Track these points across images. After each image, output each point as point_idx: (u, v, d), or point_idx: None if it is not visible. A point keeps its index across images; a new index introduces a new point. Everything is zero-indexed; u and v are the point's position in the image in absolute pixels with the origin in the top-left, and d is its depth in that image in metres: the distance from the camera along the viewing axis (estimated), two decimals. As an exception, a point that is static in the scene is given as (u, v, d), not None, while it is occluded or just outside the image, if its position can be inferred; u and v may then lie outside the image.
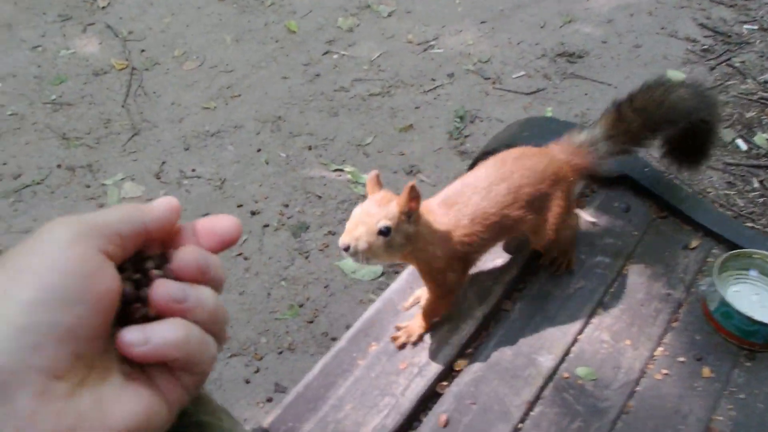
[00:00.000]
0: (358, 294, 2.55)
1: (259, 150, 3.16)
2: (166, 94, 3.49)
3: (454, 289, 1.34)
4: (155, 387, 0.62)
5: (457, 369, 1.31)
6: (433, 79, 3.57)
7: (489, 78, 3.58)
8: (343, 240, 1.18)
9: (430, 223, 1.29)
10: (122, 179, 3.03)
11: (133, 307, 0.66)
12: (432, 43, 3.83)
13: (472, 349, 1.36)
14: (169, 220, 0.69)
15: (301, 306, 2.53)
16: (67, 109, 3.40)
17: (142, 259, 0.71)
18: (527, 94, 3.46)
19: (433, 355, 1.31)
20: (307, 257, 2.72)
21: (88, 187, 3.00)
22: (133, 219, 0.65)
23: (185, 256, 0.67)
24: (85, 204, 2.90)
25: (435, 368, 1.29)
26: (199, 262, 0.67)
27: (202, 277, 0.67)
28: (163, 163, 3.11)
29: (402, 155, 3.14)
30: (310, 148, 3.17)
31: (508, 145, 1.72)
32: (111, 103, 3.43)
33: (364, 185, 3.02)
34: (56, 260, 0.56)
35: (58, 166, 3.10)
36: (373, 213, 1.20)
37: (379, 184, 1.29)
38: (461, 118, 3.32)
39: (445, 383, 1.29)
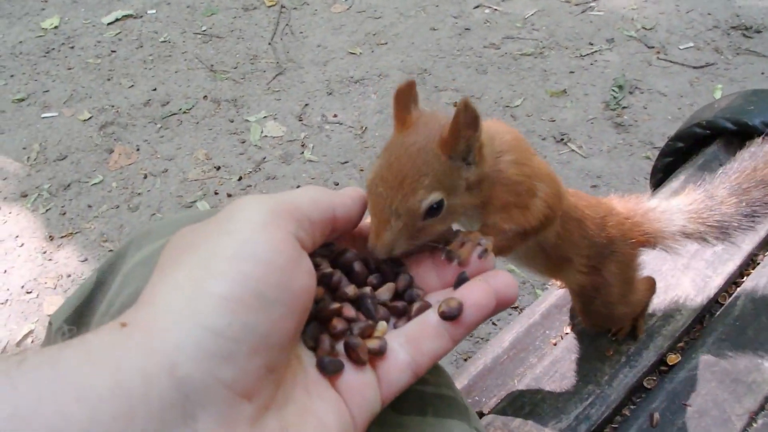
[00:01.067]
0: (498, 263, 2.41)
1: (402, 101, 3.04)
2: (313, 36, 3.41)
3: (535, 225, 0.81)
4: (340, 399, 0.53)
5: (669, 363, 1.16)
6: (591, 44, 3.33)
7: (653, 47, 3.30)
8: (377, 250, 0.67)
9: (489, 140, 0.75)
10: (265, 117, 2.99)
11: (328, 309, 0.57)
12: (592, 4, 3.57)
13: (684, 343, 1.20)
14: (358, 212, 0.60)
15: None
16: (216, 42, 3.40)
17: (333, 254, 0.62)
18: (695, 67, 3.17)
19: (644, 345, 1.16)
20: (446, 217, 2.59)
21: (232, 121, 2.98)
22: (322, 203, 0.55)
23: (477, 293, 0.58)
24: (228, 138, 2.89)
25: (645, 359, 1.14)
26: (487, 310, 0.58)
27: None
28: (306, 105, 3.05)
29: (552, 121, 2.94)
30: (455, 105, 3.02)
31: (728, 119, 1.52)
32: (258, 40, 3.40)
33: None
34: (250, 245, 0.47)
35: (204, 97, 3.10)
36: (410, 181, 0.67)
37: (414, 101, 0.72)
38: (620, 87, 3.08)
39: (653, 377, 1.15)
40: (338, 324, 0.56)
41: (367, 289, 0.60)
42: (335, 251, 0.61)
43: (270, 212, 0.50)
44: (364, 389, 0.54)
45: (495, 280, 0.59)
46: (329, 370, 0.53)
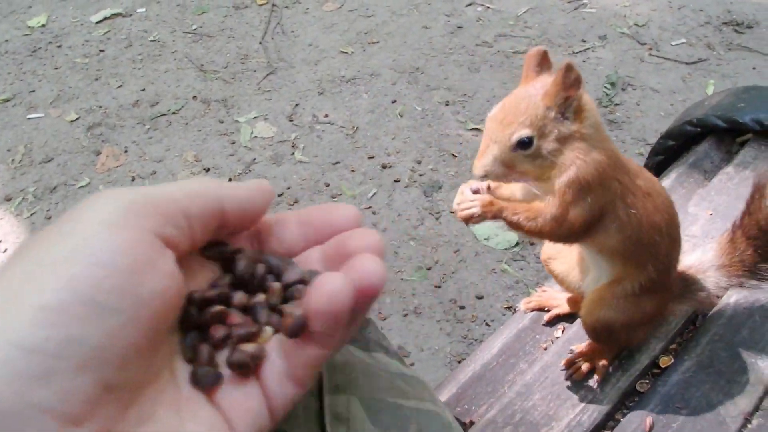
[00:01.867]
0: (490, 263, 2.39)
1: (394, 101, 3.01)
2: (305, 35, 3.38)
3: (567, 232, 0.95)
4: (219, 415, 0.47)
5: (662, 366, 1.14)
6: (584, 41, 3.30)
7: (645, 43, 3.28)
8: (476, 169, 0.90)
9: (600, 127, 0.92)
10: (255, 118, 2.96)
11: (209, 315, 0.49)
12: (584, 1, 3.54)
13: (677, 345, 1.18)
14: (256, 206, 0.52)
15: (429, 269, 2.39)
16: (207, 41, 3.37)
17: (224, 253, 0.54)
18: (687, 63, 3.15)
19: (636, 348, 1.14)
20: (437, 218, 2.57)
21: (222, 122, 2.95)
22: (205, 196, 0.48)
23: (323, 298, 0.46)
24: (217, 139, 2.86)
25: (638, 363, 1.12)
26: (344, 305, 0.46)
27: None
28: (297, 105, 3.02)
29: (545, 119, 2.91)
30: (447, 104, 3.00)
31: (719, 116, 1.50)
32: (249, 39, 3.37)
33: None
34: (87, 246, 0.40)
35: (194, 97, 3.07)
36: (510, 118, 0.87)
37: (546, 63, 0.93)
38: (612, 84, 3.05)
39: (646, 381, 1.13)
40: (217, 331, 0.49)
41: (260, 295, 0.53)
42: (226, 251, 0.54)
43: (125, 208, 0.43)
44: (247, 402, 0.48)
45: (356, 270, 0.47)
46: (204, 383, 0.47)
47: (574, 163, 0.89)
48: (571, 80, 0.84)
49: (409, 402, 0.68)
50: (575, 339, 1.16)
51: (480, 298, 2.26)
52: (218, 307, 0.50)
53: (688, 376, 1.11)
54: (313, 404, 0.62)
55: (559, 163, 0.89)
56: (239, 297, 0.51)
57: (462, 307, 2.25)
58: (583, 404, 1.07)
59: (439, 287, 2.33)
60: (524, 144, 0.87)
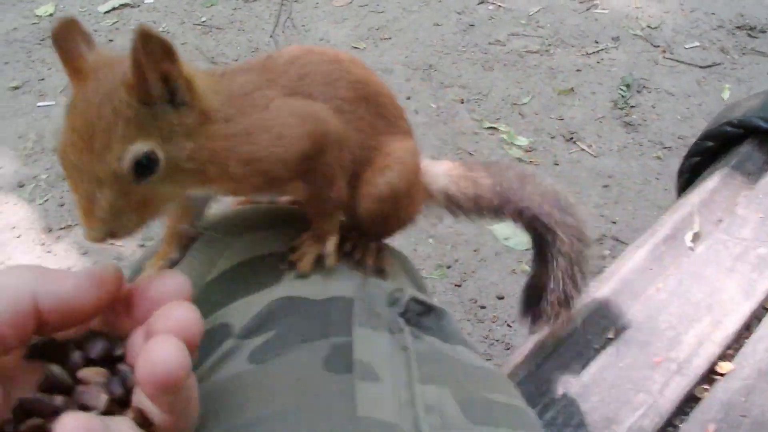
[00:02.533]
0: (510, 263, 2.36)
1: (408, 98, 2.98)
2: (315, 29, 3.34)
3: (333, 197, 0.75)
4: None
5: (719, 372, 1.12)
6: (597, 42, 3.29)
7: (658, 46, 3.28)
8: (91, 234, 0.55)
9: (228, 85, 0.66)
10: (268, 112, 2.91)
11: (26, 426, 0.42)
12: (595, 2, 3.53)
13: (734, 350, 1.16)
14: (83, 302, 0.45)
15: (448, 267, 2.37)
16: (217, 33, 3.32)
17: (57, 345, 0.46)
18: (702, 67, 3.15)
19: (694, 352, 1.11)
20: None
21: (234, 115, 2.90)
22: (14, 294, 0.42)
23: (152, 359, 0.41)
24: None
25: (696, 367, 1.09)
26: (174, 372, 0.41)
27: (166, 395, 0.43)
28: (310, 99, 2.98)
29: (561, 120, 2.90)
30: (462, 102, 2.97)
31: (762, 117, 1.48)
32: (259, 32, 3.32)
33: (519, 147, 2.80)
34: None
35: (205, 90, 3.03)
36: (100, 138, 0.54)
37: (85, 43, 0.60)
38: (628, 86, 3.04)
39: (705, 386, 1.10)
40: None
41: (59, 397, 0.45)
42: (43, 348, 0.46)
43: None
44: None
45: (145, 357, 0.42)
46: None
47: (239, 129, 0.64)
48: (157, 50, 0.53)
49: (496, 396, 0.66)
50: (632, 342, 1.14)
51: (501, 298, 2.24)
52: (34, 421, 0.42)
53: (749, 384, 1.08)
54: (404, 394, 0.60)
55: (216, 163, 0.62)
56: (59, 400, 0.44)
57: (483, 307, 2.22)
58: (642, 408, 1.04)
59: (459, 286, 2.30)
60: (147, 167, 0.55)
